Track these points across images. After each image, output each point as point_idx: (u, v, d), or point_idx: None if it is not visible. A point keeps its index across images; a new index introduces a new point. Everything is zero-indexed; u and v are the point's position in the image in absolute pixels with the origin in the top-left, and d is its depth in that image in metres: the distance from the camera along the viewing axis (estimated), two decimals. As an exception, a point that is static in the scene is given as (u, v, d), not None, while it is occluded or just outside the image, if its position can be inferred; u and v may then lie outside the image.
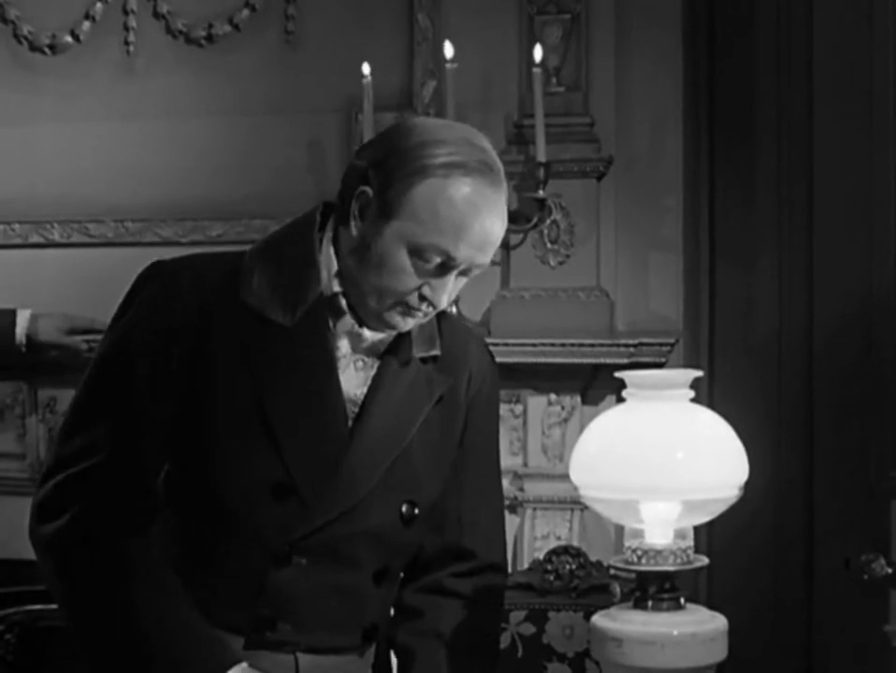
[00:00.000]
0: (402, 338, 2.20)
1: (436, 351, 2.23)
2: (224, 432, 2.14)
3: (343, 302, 2.16)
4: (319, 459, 2.16)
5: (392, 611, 2.36)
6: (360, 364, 2.20)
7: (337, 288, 2.15)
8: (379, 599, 2.30)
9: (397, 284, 2.10)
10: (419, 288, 2.10)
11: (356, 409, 2.19)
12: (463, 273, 2.13)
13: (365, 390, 2.19)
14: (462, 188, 2.06)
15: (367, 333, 2.18)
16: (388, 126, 2.21)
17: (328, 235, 2.17)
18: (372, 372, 2.20)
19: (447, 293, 2.13)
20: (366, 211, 2.10)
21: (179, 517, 2.19)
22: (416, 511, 2.24)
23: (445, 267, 2.09)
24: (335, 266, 2.15)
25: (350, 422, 2.18)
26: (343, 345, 2.19)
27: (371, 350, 2.20)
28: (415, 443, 2.22)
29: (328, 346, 2.16)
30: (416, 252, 2.08)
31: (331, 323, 2.17)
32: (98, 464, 2.12)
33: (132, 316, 2.17)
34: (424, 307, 2.12)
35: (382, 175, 2.09)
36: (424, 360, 2.22)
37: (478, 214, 2.07)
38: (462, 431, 2.29)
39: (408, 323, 2.16)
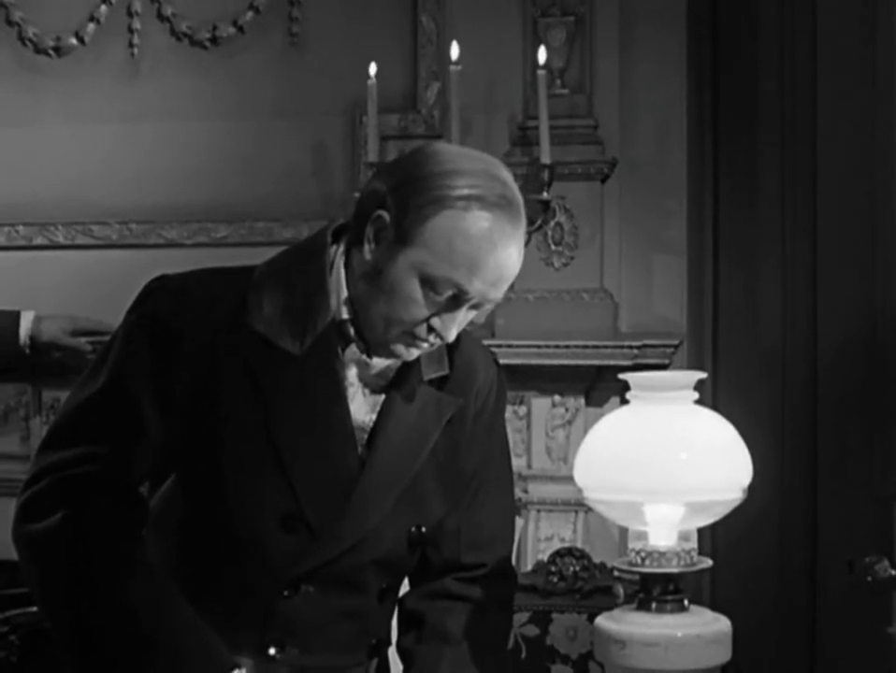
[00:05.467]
0: (411, 363, 2.15)
1: (444, 371, 2.18)
2: (233, 460, 2.10)
3: (351, 330, 2.11)
4: (329, 491, 2.13)
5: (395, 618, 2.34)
6: (368, 390, 2.16)
7: (345, 315, 2.10)
8: (382, 615, 2.29)
9: (405, 314, 2.05)
10: (428, 319, 2.05)
11: (366, 436, 2.15)
12: (474, 307, 2.08)
13: (374, 416, 2.16)
14: (479, 222, 2.00)
15: (375, 360, 2.14)
16: (410, 150, 2.15)
17: (340, 257, 2.12)
18: (381, 398, 2.16)
19: (456, 325, 2.08)
20: (381, 236, 2.04)
21: (187, 540, 2.16)
22: (423, 533, 2.22)
23: (457, 301, 2.04)
24: (345, 292, 2.10)
25: (360, 449, 2.15)
26: (351, 373, 2.14)
27: (380, 376, 2.16)
28: (425, 467, 2.19)
29: (337, 375, 2.12)
30: (428, 283, 2.02)
31: (339, 351, 2.12)
32: (93, 472, 2.07)
33: (136, 332, 2.12)
34: (431, 338, 2.07)
35: (400, 201, 2.03)
36: (432, 381, 2.18)
37: (493, 250, 2.01)
38: (467, 446, 2.25)
39: (412, 354, 2.11)
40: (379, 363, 2.14)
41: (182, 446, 2.11)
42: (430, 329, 2.06)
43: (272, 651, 2.16)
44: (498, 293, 2.07)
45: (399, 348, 2.09)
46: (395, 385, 2.16)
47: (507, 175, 2.07)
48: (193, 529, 2.15)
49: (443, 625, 2.29)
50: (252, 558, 2.13)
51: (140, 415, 2.09)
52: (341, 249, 2.12)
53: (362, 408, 2.16)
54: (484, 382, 2.27)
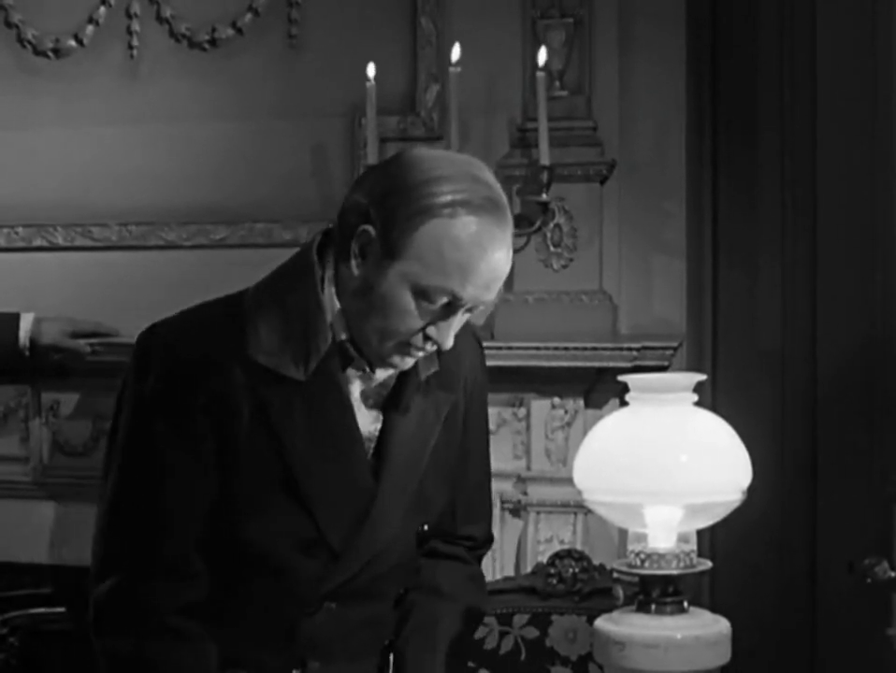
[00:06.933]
0: (408, 369, 2.15)
1: (435, 368, 2.19)
2: (251, 492, 2.10)
3: (351, 348, 2.11)
4: (347, 512, 2.14)
5: None
6: (371, 400, 2.17)
7: (343, 335, 2.10)
8: (394, 617, 2.32)
9: (401, 326, 2.05)
10: (424, 328, 2.06)
11: (372, 446, 2.17)
12: (468, 310, 2.09)
13: (378, 425, 2.17)
14: (467, 227, 2.00)
15: (378, 374, 2.14)
16: (388, 158, 2.14)
17: (329, 273, 2.11)
18: (381, 404, 2.18)
19: (452, 331, 2.08)
20: (367, 251, 2.04)
21: (209, 564, 2.15)
22: (426, 527, 2.25)
23: (451, 307, 2.05)
24: (337, 307, 2.09)
25: (368, 456, 2.16)
26: (355, 388, 2.15)
27: (383, 386, 2.17)
28: (426, 468, 2.22)
29: (344, 395, 2.13)
30: (421, 294, 2.02)
31: (342, 369, 2.12)
32: (152, 559, 2.10)
33: (149, 404, 2.10)
34: (427, 346, 2.08)
35: (384, 214, 2.02)
36: (427, 380, 2.19)
37: (484, 254, 2.02)
38: (461, 433, 2.28)
39: (407, 363, 2.12)
40: (381, 374, 2.15)
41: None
42: (426, 338, 2.07)
43: (295, 672, 2.18)
44: (491, 295, 2.08)
45: (395, 358, 2.10)
46: (394, 395, 2.17)
47: (489, 175, 2.07)
48: (214, 555, 2.15)
49: (435, 579, 2.33)
50: (277, 583, 2.14)
51: (182, 486, 2.10)
52: (329, 267, 2.11)
53: (366, 418, 2.17)
54: (470, 369, 2.29)
